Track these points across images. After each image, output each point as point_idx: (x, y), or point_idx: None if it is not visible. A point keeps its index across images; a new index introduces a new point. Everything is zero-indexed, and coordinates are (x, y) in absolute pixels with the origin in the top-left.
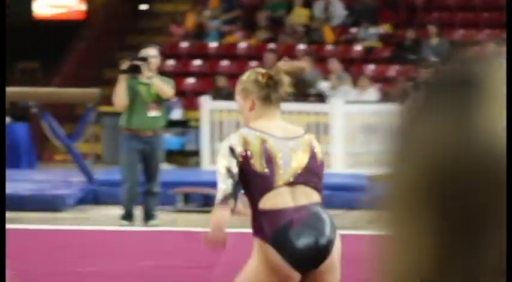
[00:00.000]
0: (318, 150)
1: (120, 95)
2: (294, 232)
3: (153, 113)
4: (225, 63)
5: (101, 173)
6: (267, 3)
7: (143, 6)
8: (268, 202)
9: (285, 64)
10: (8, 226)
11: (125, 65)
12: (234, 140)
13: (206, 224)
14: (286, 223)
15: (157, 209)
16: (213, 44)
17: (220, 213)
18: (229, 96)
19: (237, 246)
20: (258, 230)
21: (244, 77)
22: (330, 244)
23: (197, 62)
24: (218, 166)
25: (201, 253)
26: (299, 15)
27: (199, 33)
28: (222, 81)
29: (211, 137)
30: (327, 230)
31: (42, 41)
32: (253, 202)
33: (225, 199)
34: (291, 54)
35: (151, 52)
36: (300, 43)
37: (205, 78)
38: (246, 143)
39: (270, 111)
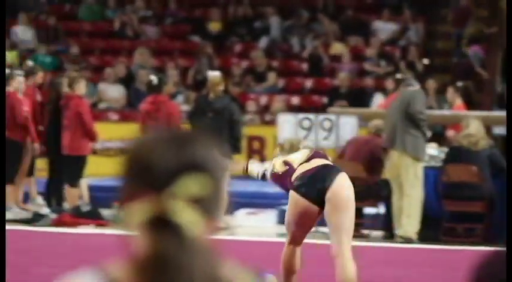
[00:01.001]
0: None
1: None
2: (302, 182)
3: None
4: None
5: None
6: None
7: None
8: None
9: None
10: None
11: None
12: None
13: None
14: (300, 178)
15: None
16: None
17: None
18: None
19: None
20: (291, 185)
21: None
22: (328, 184)
23: None
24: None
25: None
26: None
27: None
28: None
29: None
30: (328, 178)
31: None
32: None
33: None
34: None
35: None
36: None
37: None
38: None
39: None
